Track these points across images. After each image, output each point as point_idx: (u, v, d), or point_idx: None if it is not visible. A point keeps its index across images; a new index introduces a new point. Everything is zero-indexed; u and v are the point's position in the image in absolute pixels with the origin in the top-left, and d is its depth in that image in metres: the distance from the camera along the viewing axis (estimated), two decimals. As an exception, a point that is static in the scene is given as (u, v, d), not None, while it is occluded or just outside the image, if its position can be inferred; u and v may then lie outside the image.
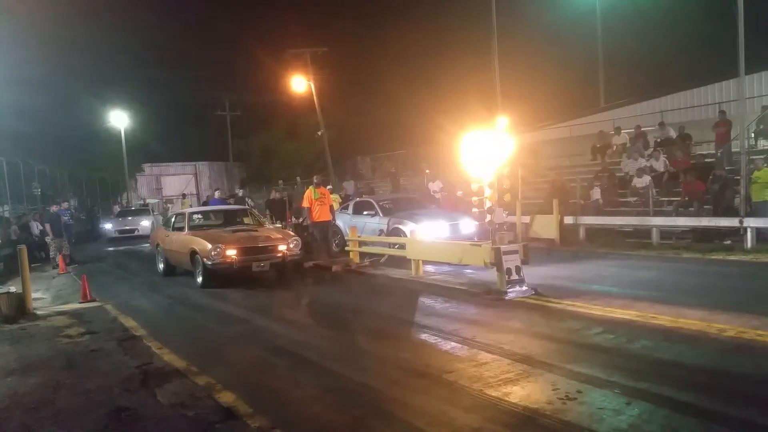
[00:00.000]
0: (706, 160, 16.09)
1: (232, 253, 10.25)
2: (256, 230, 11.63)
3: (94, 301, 9.95)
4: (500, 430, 3.96)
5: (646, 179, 15.11)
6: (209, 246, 10.25)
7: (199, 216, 13.17)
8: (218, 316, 8.56)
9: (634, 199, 15.45)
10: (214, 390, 5.02)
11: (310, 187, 13.20)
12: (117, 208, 29.65)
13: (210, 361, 5.94)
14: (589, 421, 3.94)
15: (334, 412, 4.51)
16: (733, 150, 14.74)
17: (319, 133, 23.96)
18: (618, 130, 19.07)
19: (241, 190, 24.37)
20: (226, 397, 4.81)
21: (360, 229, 13.19)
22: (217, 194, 19.18)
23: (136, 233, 24.14)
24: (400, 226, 12.40)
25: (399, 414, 4.35)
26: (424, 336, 6.65)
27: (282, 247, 10.74)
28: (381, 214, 13.49)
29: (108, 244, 22.68)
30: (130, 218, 25.41)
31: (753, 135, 15.47)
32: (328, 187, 16.81)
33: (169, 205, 34.63)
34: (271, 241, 10.80)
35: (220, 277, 10.41)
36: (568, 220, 14.22)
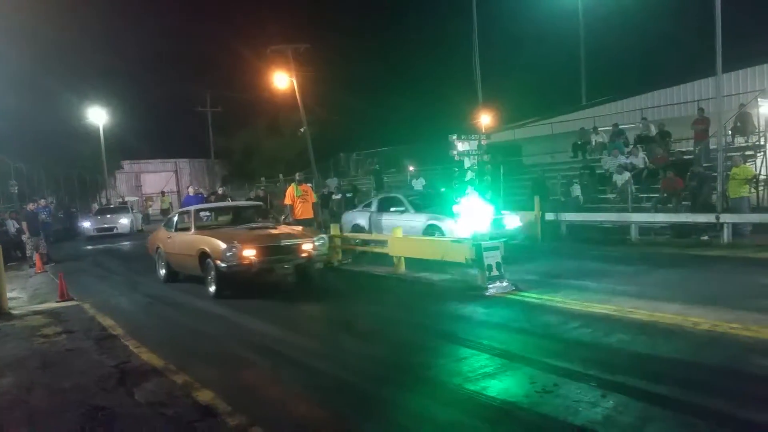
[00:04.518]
0: (685, 157, 16.32)
1: (250, 253, 8.83)
2: (275, 227, 10.26)
3: (71, 300, 9.80)
4: (478, 423, 3.99)
5: (626, 176, 15.30)
6: (223, 245, 8.84)
7: (207, 213, 11.84)
8: (197, 314, 8.48)
9: (614, 195, 15.64)
10: (192, 388, 4.97)
11: (293, 184, 13.13)
12: (96, 206, 29.26)
13: (189, 360, 5.88)
14: (564, 413, 3.98)
15: (315, 409, 4.50)
16: (711, 147, 14.97)
17: (302, 130, 23.86)
18: (596, 129, 19.29)
19: (222, 188, 24.19)
20: (205, 396, 4.76)
21: (387, 228, 12.15)
22: (190, 191, 18.53)
23: (114, 231, 23.83)
24: (438, 223, 11.25)
25: (380, 410, 4.36)
26: (404, 332, 6.66)
27: (307, 247, 9.41)
28: (412, 210, 12.31)
29: (86, 243, 22.36)
30: (108, 216, 25.05)
31: (730, 132, 15.71)
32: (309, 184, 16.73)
33: (149, 203, 34.28)
34: (294, 240, 9.45)
35: (236, 282, 9.14)
36: (549, 216, 14.34)
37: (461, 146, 15.94)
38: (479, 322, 6.79)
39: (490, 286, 8.19)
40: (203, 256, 9.28)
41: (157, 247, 11.41)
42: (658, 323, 6.03)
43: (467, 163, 16.87)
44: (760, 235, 11.59)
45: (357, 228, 13.50)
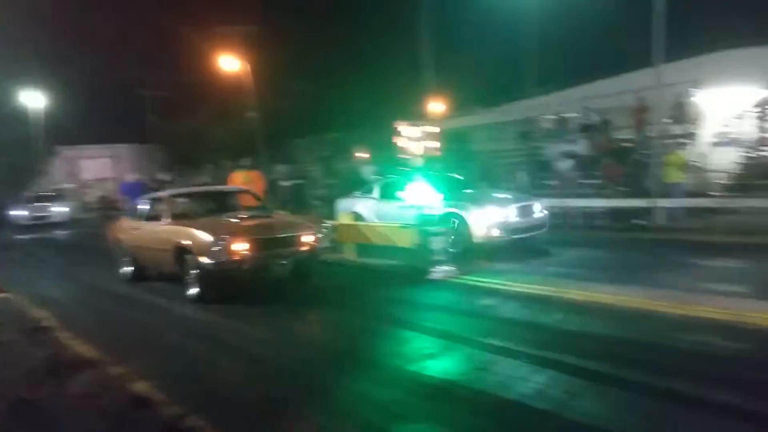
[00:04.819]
0: (625, 144, 16.89)
1: (241, 247, 7.37)
2: (270, 216, 8.81)
3: (2, 292, 9.35)
4: (416, 401, 4.07)
5: (569, 163, 15.73)
6: (209, 238, 7.36)
7: (184, 200, 9.87)
8: (136, 304, 8.23)
9: (557, 182, 16.06)
10: (127, 380, 4.84)
11: (238, 171, 12.89)
12: (28, 194, 27.86)
13: (125, 351, 5.71)
14: (498, 388, 4.11)
15: (255, 396, 4.46)
16: (649, 135, 15.54)
17: (251, 114, 23.38)
18: (541, 117, 19.71)
19: (165, 175, 23.51)
20: (140, 387, 4.65)
21: (393, 216, 10.82)
22: (129, 177, 17.84)
23: (49, 220, 22.84)
24: (459, 211, 10.01)
25: (321, 395, 4.36)
26: (347, 317, 6.67)
27: (307, 239, 8.05)
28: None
29: (19, 232, 21.34)
30: (42, 204, 23.95)
31: (668, 121, 16.34)
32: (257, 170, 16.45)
33: (87, 190, 32.94)
34: (293, 231, 8.03)
35: (224, 283, 7.60)
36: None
37: (409, 133, 15.97)
38: (422, 305, 6.87)
39: (435, 270, 8.29)
40: (181, 251, 7.77)
41: (120, 240, 9.84)
42: (592, 302, 6.25)
43: (415, 150, 16.95)
44: (692, 219, 12.16)
45: (356, 217, 12.00)
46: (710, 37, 17.81)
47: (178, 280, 8.10)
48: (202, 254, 7.39)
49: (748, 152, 14.69)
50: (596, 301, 6.27)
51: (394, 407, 4.02)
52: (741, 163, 14.65)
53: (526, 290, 7.05)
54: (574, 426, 3.53)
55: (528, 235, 10.06)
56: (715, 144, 15.32)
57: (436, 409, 3.97)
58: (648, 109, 16.05)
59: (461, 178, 12.22)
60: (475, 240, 9.64)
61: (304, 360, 5.18)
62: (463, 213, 9.87)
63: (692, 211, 12.38)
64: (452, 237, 9.46)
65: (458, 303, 6.87)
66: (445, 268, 8.37)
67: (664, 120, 14.81)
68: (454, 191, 10.55)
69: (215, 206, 9.60)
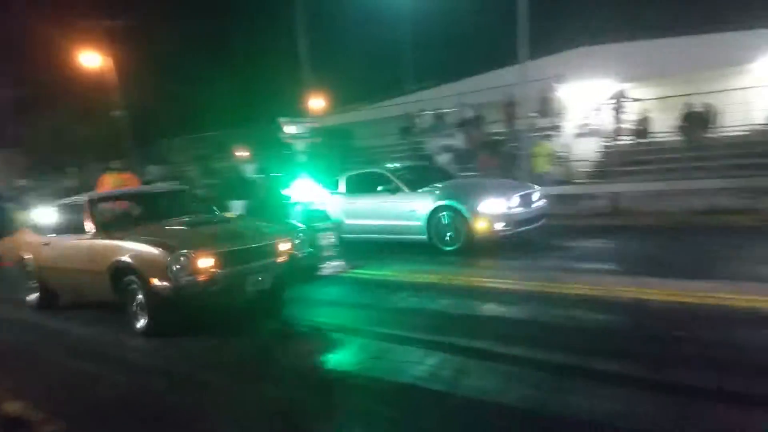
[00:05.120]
0: (498, 138, 17.90)
1: (207, 263, 5.58)
2: (229, 221, 7.04)
3: None
4: (311, 395, 4.06)
5: (447, 156, 16.38)
6: (163, 253, 5.50)
7: (111, 205, 7.74)
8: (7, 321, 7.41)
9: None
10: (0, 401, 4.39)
11: (108, 173, 11.92)
12: None
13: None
14: (393, 374, 4.22)
15: (137, 407, 4.18)
16: (518, 128, 16.60)
17: (117, 113, 21.86)
18: (420, 113, 20.39)
19: (25, 181, 21.37)
20: (14, 407, 4.26)
21: (371, 215, 9.67)
22: None
23: None
24: (455, 203, 8.66)
25: (206, 401, 4.19)
26: (239, 319, 6.46)
27: (283, 247, 6.29)
28: (407, 189, 9.40)
29: None
30: None
31: (534, 115, 17.54)
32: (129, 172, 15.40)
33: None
34: (265, 238, 6.23)
35: (183, 311, 5.86)
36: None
37: (291, 129, 15.72)
38: (314, 302, 6.83)
39: (325, 266, 8.27)
40: (120, 272, 5.92)
41: (22, 259, 7.69)
42: (476, 287, 6.56)
43: (299, 147, 16.77)
44: (561, 205, 13.14)
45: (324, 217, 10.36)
46: (571, 35, 19.41)
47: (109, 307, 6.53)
48: (153, 275, 5.53)
49: (606, 141, 16.18)
50: (479, 285, 6.61)
51: (287, 404, 3.95)
52: (601, 152, 16.11)
53: (414, 279, 7.26)
54: (466, 402, 3.68)
55: (533, 226, 8.98)
56: (578, 135, 16.69)
57: (332, 401, 3.97)
58: (515, 104, 17.13)
59: (439, 167, 11.55)
60: (476, 236, 8.51)
61: (190, 365, 4.94)
62: (459, 206, 8.60)
63: (560, 198, 13.40)
64: (449, 234, 8.72)
65: (350, 296, 6.94)
66: (335, 263, 8.38)
67: (531, 114, 15.90)
68: (435, 182, 9.54)
69: (151, 212, 7.61)
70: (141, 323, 5.89)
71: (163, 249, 5.55)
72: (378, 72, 30.13)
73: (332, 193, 10.47)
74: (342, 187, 10.57)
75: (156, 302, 5.67)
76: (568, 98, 17.90)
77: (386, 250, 9.47)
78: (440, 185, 9.40)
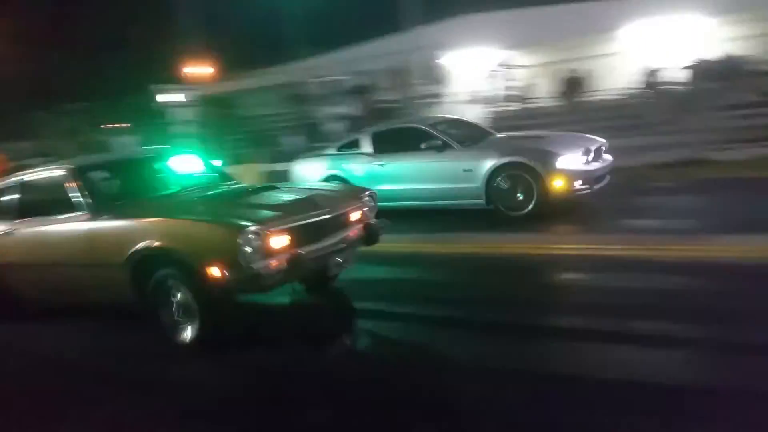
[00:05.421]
0: (390, 105, 17.88)
1: (283, 242, 4.12)
2: (269, 187, 5.34)
3: None
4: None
5: (341, 124, 16.13)
6: (230, 232, 3.94)
7: (105, 174, 5.71)
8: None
9: (331, 143, 16.36)
10: None
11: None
12: None
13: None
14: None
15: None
16: (409, 96, 16.68)
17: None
18: (311, 81, 19.86)
19: None
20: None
21: (411, 177, 8.15)
22: None
23: None
24: (528, 160, 7.27)
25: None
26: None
27: (354, 215, 4.91)
28: (457, 146, 7.94)
29: None
30: None
31: (423, 81, 17.69)
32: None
33: None
34: (337, 205, 4.75)
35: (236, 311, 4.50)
36: (279, 167, 14.26)
37: (168, 98, 14.71)
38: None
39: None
40: (147, 264, 4.29)
41: None
42: (400, 252, 6.44)
43: (178, 116, 15.76)
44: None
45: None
46: (457, 3, 19.64)
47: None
48: (210, 263, 3.95)
49: (495, 107, 16.67)
50: (403, 251, 6.54)
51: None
52: (489, 118, 16.58)
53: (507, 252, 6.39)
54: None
55: (605, 183, 7.80)
56: (468, 102, 17.07)
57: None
58: (405, 71, 17.16)
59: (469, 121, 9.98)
60: (551, 197, 7.24)
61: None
62: (533, 162, 7.22)
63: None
64: (518, 197, 7.35)
65: (425, 276, 6.24)
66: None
67: (419, 81, 16.00)
68: (476, 138, 8.33)
69: (152, 184, 5.62)
70: (188, 333, 4.27)
71: (224, 226, 4.02)
72: (266, 40, 28.98)
73: (349, 153, 8.96)
74: (366, 146, 8.83)
75: (212, 301, 4.13)
76: (453, 66, 18.22)
77: (434, 218, 8.00)
78: (496, 140, 8.33)
